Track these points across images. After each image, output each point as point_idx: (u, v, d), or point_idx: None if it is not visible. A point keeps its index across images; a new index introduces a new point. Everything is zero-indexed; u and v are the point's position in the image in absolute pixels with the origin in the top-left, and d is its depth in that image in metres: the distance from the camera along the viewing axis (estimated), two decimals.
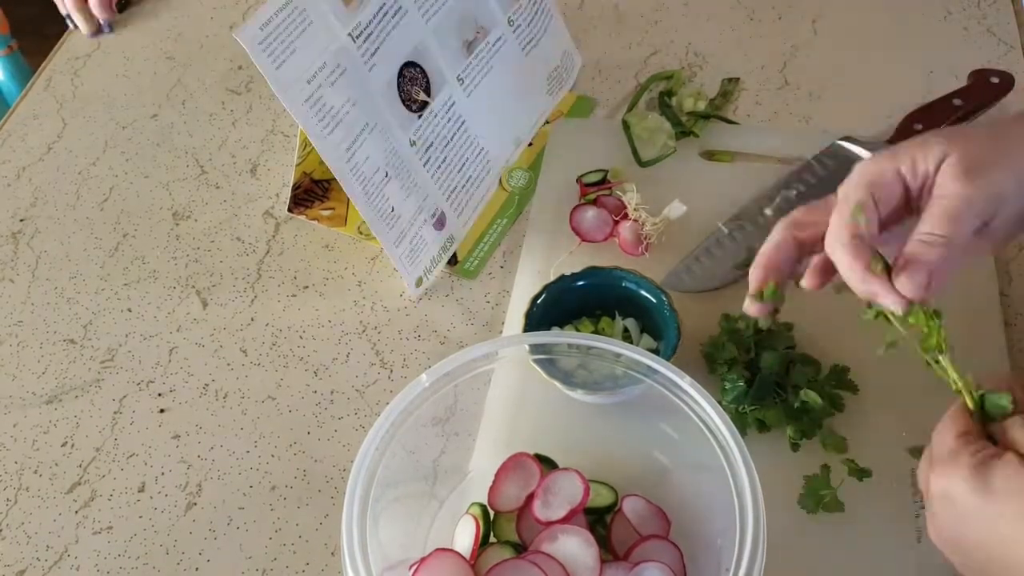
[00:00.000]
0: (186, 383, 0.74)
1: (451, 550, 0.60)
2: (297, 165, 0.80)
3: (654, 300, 0.70)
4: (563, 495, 0.61)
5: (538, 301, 0.71)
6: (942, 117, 0.81)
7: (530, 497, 0.62)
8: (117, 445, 0.71)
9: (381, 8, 0.74)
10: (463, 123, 0.81)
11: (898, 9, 0.97)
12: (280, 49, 0.67)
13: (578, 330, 0.71)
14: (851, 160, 0.80)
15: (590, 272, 0.72)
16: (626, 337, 0.71)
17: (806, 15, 0.98)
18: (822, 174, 0.80)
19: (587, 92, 0.92)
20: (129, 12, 1.07)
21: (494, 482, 0.64)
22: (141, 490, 0.68)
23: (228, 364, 0.75)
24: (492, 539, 0.63)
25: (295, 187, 0.83)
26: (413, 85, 0.77)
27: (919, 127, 0.80)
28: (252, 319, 0.78)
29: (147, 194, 0.88)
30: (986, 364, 0.68)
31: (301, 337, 0.76)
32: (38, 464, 0.70)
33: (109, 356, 0.76)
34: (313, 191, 0.85)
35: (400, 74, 0.76)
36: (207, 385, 0.74)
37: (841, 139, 0.82)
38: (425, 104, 0.78)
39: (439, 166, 0.79)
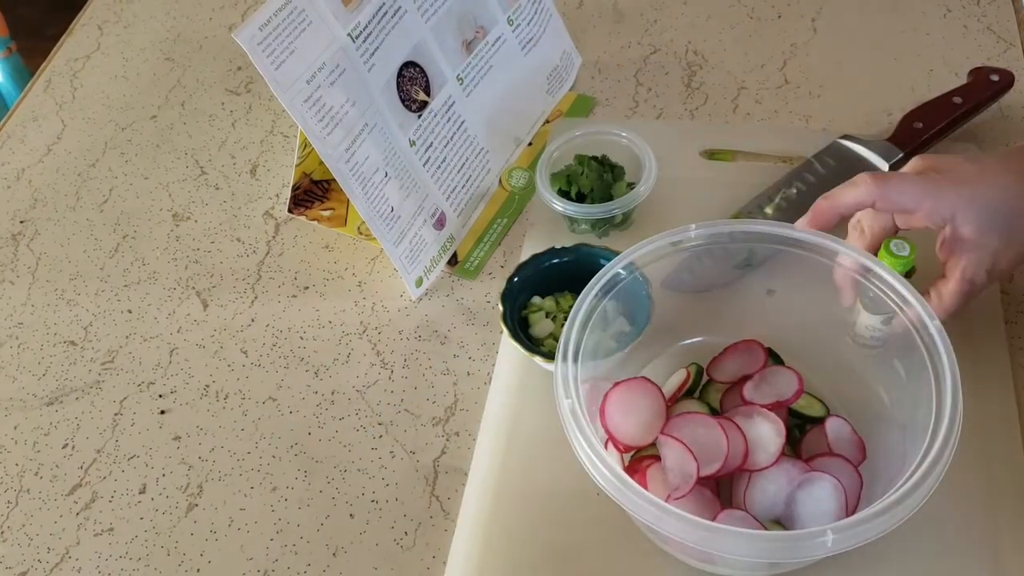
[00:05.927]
0: (187, 384, 0.74)
1: (654, 383, 0.62)
2: (297, 165, 0.80)
3: (634, 284, 0.70)
4: (776, 387, 0.62)
5: (523, 268, 0.72)
6: (942, 115, 0.81)
7: (745, 378, 0.64)
8: (118, 447, 0.71)
9: (380, 8, 0.74)
10: (463, 123, 0.81)
11: (898, 7, 0.97)
12: (279, 49, 0.67)
13: (558, 303, 0.72)
14: (851, 159, 0.80)
15: (577, 248, 0.73)
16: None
17: (806, 13, 0.98)
18: (822, 173, 0.80)
19: (587, 91, 0.92)
20: (129, 12, 1.07)
21: (720, 354, 0.66)
22: (142, 492, 0.68)
23: (229, 365, 0.75)
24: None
25: (295, 188, 0.83)
26: (412, 85, 0.77)
27: (919, 125, 0.80)
28: (252, 320, 0.78)
29: (147, 195, 0.88)
30: (987, 361, 0.68)
31: (301, 338, 0.76)
32: (39, 466, 0.70)
33: (109, 358, 0.76)
34: (313, 191, 0.85)
35: (399, 74, 0.76)
36: (208, 386, 0.74)
37: (841, 138, 0.82)
38: (425, 104, 0.78)
39: (439, 166, 0.79)
